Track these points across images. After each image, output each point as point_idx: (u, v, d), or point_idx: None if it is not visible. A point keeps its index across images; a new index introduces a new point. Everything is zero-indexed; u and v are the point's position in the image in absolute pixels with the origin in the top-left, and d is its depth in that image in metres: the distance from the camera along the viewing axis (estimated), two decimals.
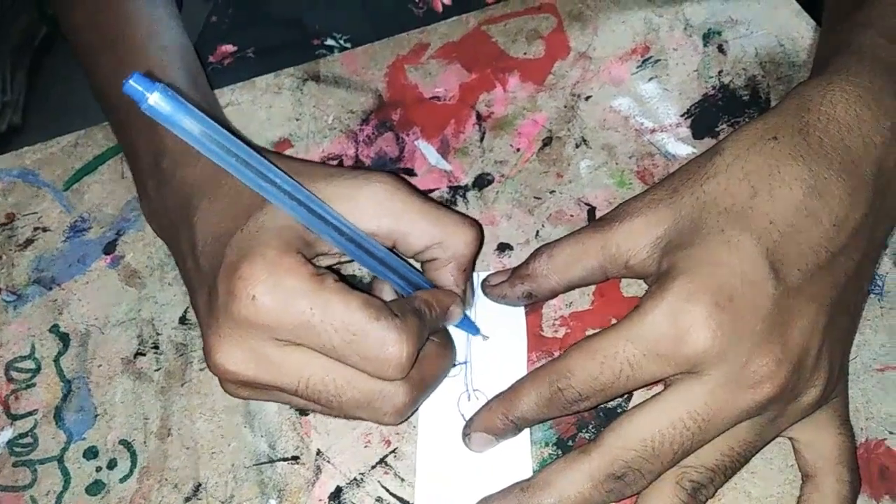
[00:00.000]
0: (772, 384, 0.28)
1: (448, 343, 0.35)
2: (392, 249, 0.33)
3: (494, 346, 0.37)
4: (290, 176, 0.29)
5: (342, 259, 0.35)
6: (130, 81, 0.24)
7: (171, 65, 0.41)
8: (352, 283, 0.32)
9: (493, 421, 0.32)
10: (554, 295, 0.36)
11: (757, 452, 0.31)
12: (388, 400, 0.31)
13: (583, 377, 0.29)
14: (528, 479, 0.30)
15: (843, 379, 0.32)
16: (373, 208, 0.32)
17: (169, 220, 0.37)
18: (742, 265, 0.28)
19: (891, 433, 0.33)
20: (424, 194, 0.34)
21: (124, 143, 0.43)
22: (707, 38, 0.45)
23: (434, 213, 0.33)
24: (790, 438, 0.32)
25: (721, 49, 0.45)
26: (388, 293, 0.34)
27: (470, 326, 0.36)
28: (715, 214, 0.29)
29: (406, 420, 0.34)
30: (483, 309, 0.37)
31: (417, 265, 0.35)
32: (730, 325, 0.27)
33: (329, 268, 0.33)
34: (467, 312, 0.36)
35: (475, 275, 0.38)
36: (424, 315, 0.32)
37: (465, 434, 0.33)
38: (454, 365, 0.36)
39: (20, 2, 1.59)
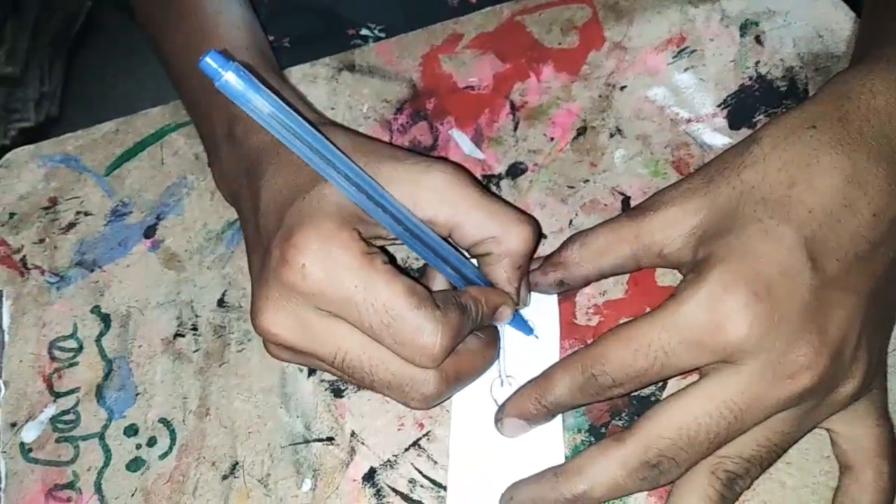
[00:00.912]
0: (810, 374, 0.27)
1: (492, 342, 0.35)
2: (448, 240, 0.34)
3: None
4: (350, 159, 0.29)
5: (397, 241, 0.35)
6: (207, 59, 0.25)
7: (242, 41, 0.42)
8: (402, 268, 0.32)
9: (525, 406, 0.32)
10: (586, 283, 0.36)
11: (794, 444, 0.31)
12: (418, 387, 0.31)
13: (617, 364, 0.29)
14: (560, 465, 0.31)
15: (881, 371, 0.32)
16: (432, 195, 0.32)
17: (238, 185, 0.38)
18: (780, 255, 0.28)
19: None
20: (485, 187, 0.34)
21: (196, 111, 0.44)
22: (744, 28, 0.45)
23: (491, 207, 0.33)
24: (828, 430, 0.32)
25: (758, 40, 0.44)
26: (439, 283, 0.35)
27: (523, 326, 0.36)
28: (752, 204, 0.29)
29: (434, 407, 0.34)
30: None
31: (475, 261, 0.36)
32: (767, 315, 0.27)
33: (384, 249, 0.33)
34: (521, 311, 0.36)
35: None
36: (469, 310, 0.32)
37: (498, 419, 0.33)
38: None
39: None
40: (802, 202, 0.29)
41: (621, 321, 0.36)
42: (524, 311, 0.37)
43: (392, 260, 0.31)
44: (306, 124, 0.28)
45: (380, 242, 0.34)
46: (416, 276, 0.38)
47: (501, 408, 0.33)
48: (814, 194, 0.29)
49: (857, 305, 0.29)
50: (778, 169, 0.30)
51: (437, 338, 0.29)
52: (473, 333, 0.33)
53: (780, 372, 0.28)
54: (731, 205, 0.30)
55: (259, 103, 0.26)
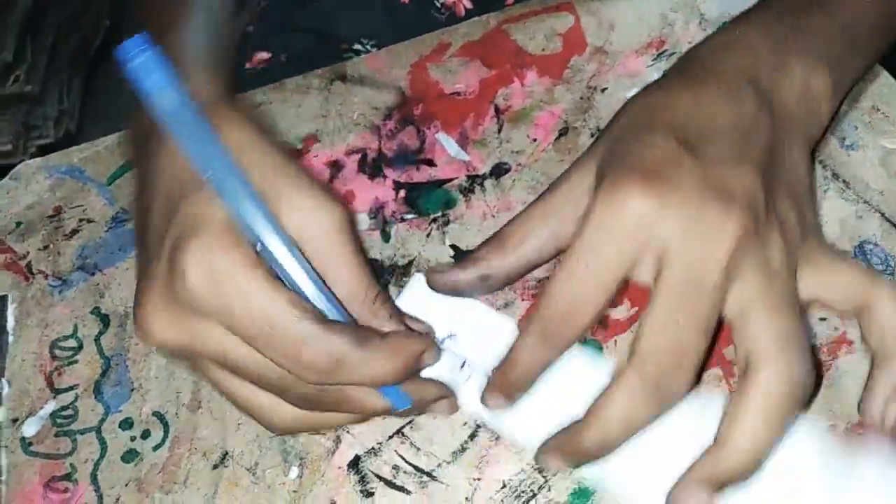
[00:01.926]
0: (732, 223, 0.28)
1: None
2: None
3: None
4: (235, 167, 0.29)
5: None
6: (127, 42, 0.26)
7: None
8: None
9: (502, 382, 0.32)
10: (510, 279, 0.34)
11: (801, 315, 0.30)
12: (286, 401, 0.31)
13: (559, 296, 0.30)
14: (576, 422, 0.30)
15: (814, 238, 0.32)
16: (307, 224, 0.31)
17: (144, 150, 0.35)
18: (659, 150, 0.30)
19: None
20: (359, 246, 0.32)
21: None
22: None
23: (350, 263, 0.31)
24: (826, 304, 0.32)
25: None
26: None
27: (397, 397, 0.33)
28: (624, 132, 0.33)
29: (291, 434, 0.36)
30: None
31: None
32: (662, 186, 0.29)
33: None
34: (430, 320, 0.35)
35: (419, 275, 0.36)
36: (367, 343, 0.30)
37: (484, 400, 0.33)
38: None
39: (80, 13, 1.66)
40: (665, 119, 0.32)
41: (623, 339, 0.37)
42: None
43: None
44: (202, 125, 0.28)
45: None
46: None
47: (482, 396, 0.33)
48: (672, 113, 0.32)
49: (751, 171, 0.30)
50: (640, 111, 0.34)
51: (319, 348, 0.29)
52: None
53: (703, 231, 0.28)
54: (610, 146, 0.33)
55: (166, 97, 0.27)
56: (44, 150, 1.48)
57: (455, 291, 0.35)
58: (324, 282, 0.31)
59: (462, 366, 0.35)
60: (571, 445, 0.31)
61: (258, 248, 0.30)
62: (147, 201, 0.33)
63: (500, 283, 0.34)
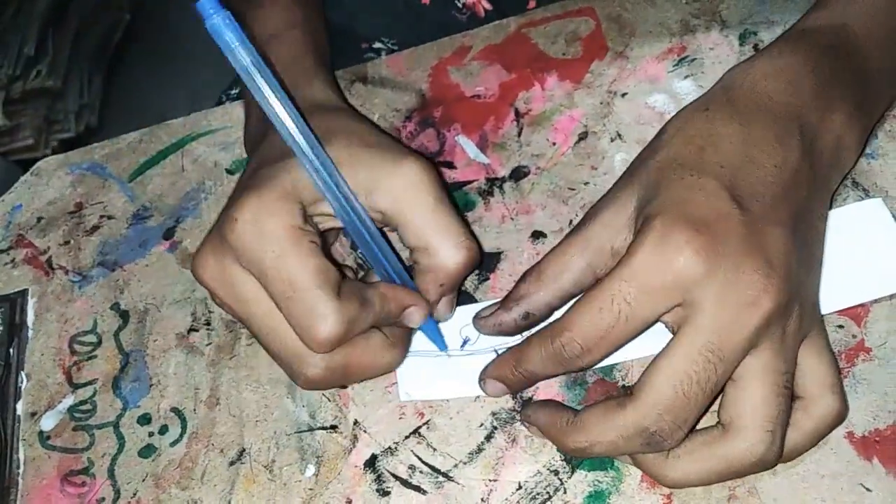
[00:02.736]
0: (768, 297, 0.29)
1: (397, 344, 0.35)
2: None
3: None
4: (315, 135, 0.32)
5: (337, 224, 0.36)
6: (203, 0, 0.28)
7: (290, 19, 0.46)
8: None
9: (504, 372, 0.34)
10: (551, 311, 0.35)
11: (792, 382, 0.31)
12: (303, 367, 0.33)
13: (583, 327, 0.30)
14: (573, 415, 0.32)
15: (818, 314, 0.33)
16: (387, 189, 0.33)
17: (251, 148, 0.42)
18: (708, 200, 0.30)
19: None
20: (450, 199, 0.35)
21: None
22: (743, 38, 0.46)
23: (439, 219, 0.34)
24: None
25: (756, 48, 0.45)
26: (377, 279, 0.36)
27: (437, 338, 0.37)
28: (670, 170, 0.32)
29: (320, 390, 0.37)
30: None
31: None
32: (711, 245, 0.29)
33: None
34: (441, 326, 0.37)
35: (469, 307, 0.38)
36: (371, 305, 0.33)
37: (481, 378, 0.35)
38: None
39: (101, 7, 1.68)
40: (713, 160, 0.32)
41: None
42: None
43: (327, 249, 0.34)
44: (278, 86, 0.30)
45: (325, 224, 0.35)
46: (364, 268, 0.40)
47: (485, 369, 0.35)
48: (720, 154, 0.32)
49: (788, 237, 0.31)
50: (685, 143, 0.33)
51: (327, 325, 0.31)
52: (379, 330, 0.35)
53: (741, 300, 0.29)
54: (653, 178, 0.33)
55: (240, 54, 0.29)
56: (65, 145, 1.49)
57: (501, 332, 0.35)
58: (387, 241, 0.35)
59: (463, 345, 0.37)
60: (562, 443, 0.32)
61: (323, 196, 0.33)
62: (245, 170, 0.38)
63: (542, 317, 0.35)
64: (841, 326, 0.36)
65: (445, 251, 0.34)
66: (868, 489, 0.32)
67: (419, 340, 0.37)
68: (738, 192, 0.31)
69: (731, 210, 0.30)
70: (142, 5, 1.77)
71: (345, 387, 0.38)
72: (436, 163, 0.45)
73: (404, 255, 0.39)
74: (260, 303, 0.33)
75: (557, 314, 0.34)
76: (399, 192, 0.34)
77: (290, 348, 0.33)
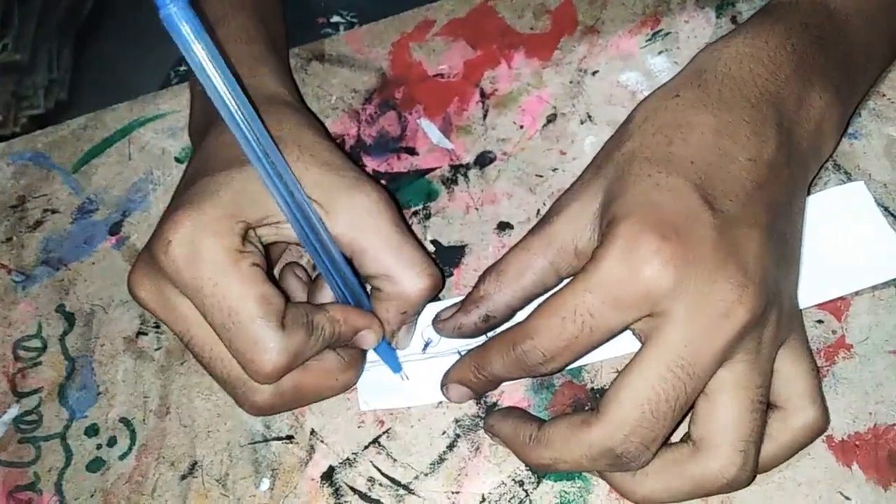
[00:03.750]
0: (743, 308, 0.27)
1: (353, 364, 0.34)
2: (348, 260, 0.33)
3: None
4: (275, 140, 0.29)
5: (286, 238, 0.34)
6: None
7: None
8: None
9: (466, 375, 0.32)
10: (512, 312, 0.33)
11: (768, 394, 0.29)
12: (250, 394, 0.31)
13: (546, 336, 0.28)
14: (538, 428, 0.30)
15: (797, 315, 0.31)
16: (345, 214, 0.32)
17: (194, 141, 0.39)
18: (677, 202, 0.28)
19: None
20: (407, 226, 0.34)
21: None
22: (720, 9, 0.43)
23: (398, 247, 0.32)
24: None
25: (734, 21, 0.43)
26: (327, 294, 0.34)
27: (391, 360, 0.35)
28: (637, 165, 0.30)
29: (269, 415, 0.35)
30: None
31: None
32: (681, 254, 0.27)
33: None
34: (398, 352, 0.35)
35: (432, 306, 0.36)
36: (319, 332, 0.31)
37: (443, 384, 0.33)
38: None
39: None
40: (683, 155, 0.30)
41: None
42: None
43: (268, 267, 0.31)
44: (236, 85, 0.27)
45: (271, 238, 0.33)
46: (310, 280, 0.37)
47: (447, 374, 0.33)
48: (690, 147, 0.30)
49: (763, 238, 0.29)
50: (653, 133, 0.31)
51: (270, 356, 0.29)
52: (333, 352, 0.33)
53: (714, 311, 0.27)
54: (619, 174, 0.30)
55: (195, 47, 0.26)
56: (34, 121, 1.45)
57: (462, 335, 0.34)
58: (346, 259, 0.33)
59: (425, 347, 0.35)
60: (526, 458, 0.31)
61: (285, 229, 0.31)
62: (183, 178, 0.35)
63: (503, 318, 0.33)
64: (820, 321, 0.34)
65: (409, 279, 0.32)
66: (847, 497, 0.31)
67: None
68: (708, 190, 0.29)
69: (701, 212, 0.28)
70: None
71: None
72: (397, 149, 0.43)
73: None
74: (200, 327, 0.31)
75: (522, 314, 0.32)
76: (357, 220, 0.32)
77: (234, 375, 0.31)
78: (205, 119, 0.38)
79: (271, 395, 0.31)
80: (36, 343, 0.41)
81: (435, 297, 0.37)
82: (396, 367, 0.35)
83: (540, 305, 0.29)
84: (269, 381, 0.30)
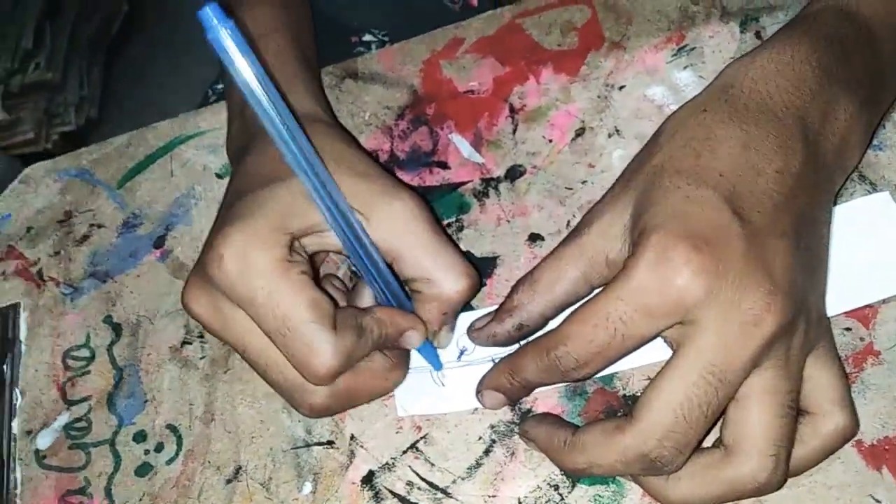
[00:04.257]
0: (772, 317, 0.28)
1: (399, 364, 0.35)
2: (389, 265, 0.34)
3: None
4: (317, 153, 0.30)
5: (329, 247, 0.35)
6: (207, 9, 0.26)
7: (274, 23, 0.44)
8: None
9: (501, 381, 0.33)
10: (545, 321, 0.34)
11: (798, 400, 0.30)
12: (306, 397, 0.33)
13: (579, 342, 0.30)
14: (574, 433, 0.31)
15: (825, 323, 0.32)
16: (383, 222, 0.33)
17: (234, 160, 0.40)
18: (707, 213, 0.29)
19: None
20: (442, 229, 0.35)
21: (228, 85, 0.46)
22: (744, 24, 0.44)
23: (436, 250, 0.33)
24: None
25: (759, 35, 0.44)
26: (367, 299, 0.36)
27: (433, 358, 0.37)
28: (667, 177, 0.31)
29: (324, 417, 0.36)
30: None
31: None
32: (711, 264, 0.28)
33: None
34: (439, 350, 0.37)
35: (466, 315, 0.37)
36: (369, 333, 0.33)
37: (478, 391, 0.34)
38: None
39: None
40: (712, 167, 0.30)
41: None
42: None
43: (316, 274, 0.33)
44: (282, 102, 0.29)
45: (315, 247, 0.34)
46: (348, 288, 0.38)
47: (481, 381, 0.34)
48: (719, 160, 0.31)
49: (791, 248, 0.29)
50: (682, 147, 0.32)
51: (325, 358, 0.31)
52: (380, 353, 0.34)
53: (744, 320, 0.28)
54: (649, 186, 0.31)
55: (241, 66, 0.27)
56: (66, 138, 1.48)
57: (496, 343, 0.35)
58: (389, 266, 0.34)
59: (460, 355, 0.37)
60: (560, 462, 0.32)
61: (331, 239, 0.33)
62: (228, 193, 0.36)
63: (536, 327, 0.34)
64: (848, 329, 0.35)
65: (449, 281, 0.33)
66: (878, 500, 0.31)
67: (415, 355, 0.37)
68: (737, 202, 0.30)
69: (730, 223, 0.29)
70: None
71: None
72: (429, 163, 0.44)
73: None
74: (255, 336, 0.32)
75: (554, 322, 0.33)
76: (395, 226, 0.33)
77: (290, 380, 0.32)
78: (243, 138, 0.39)
79: (327, 396, 0.33)
80: (84, 353, 0.43)
81: (469, 307, 0.38)
82: (438, 364, 0.37)
83: (573, 313, 0.30)
84: (324, 383, 0.31)
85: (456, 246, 0.35)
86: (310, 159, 0.30)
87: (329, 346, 0.31)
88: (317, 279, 0.33)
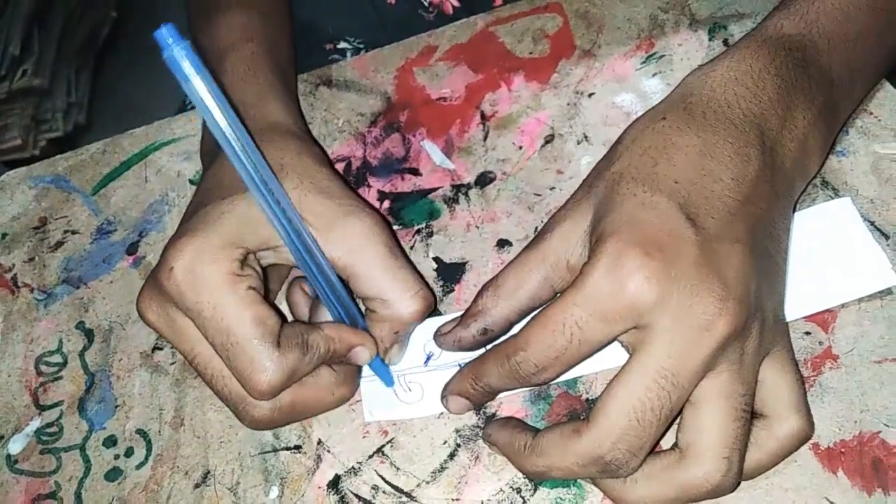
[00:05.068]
0: (724, 321, 0.28)
1: (348, 380, 0.36)
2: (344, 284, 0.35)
3: None
4: (271, 169, 0.31)
5: (285, 262, 0.35)
6: (162, 30, 0.27)
7: (249, 33, 0.44)
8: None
9: (464, 386, 0.34)
10: (510, 325, 0.34)
11: (752, 403, 0.30)
12: (249, 409, 0.33)
13: (537, 348, 0.30)
14: (533, 436, 0.32)
15: (784, 331, 0.32)
16: (340, 240, 0.33)
17: (204, 168, 0.41)
18: (661, 219, 0.30)
19: (886, 426, 0.33)
20: (400, 249, 0.35)
21: None
22: (713, 32, 0.45)
23: (391, 270, 0.34)
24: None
25: (726, 43, 0.44)
26: (327, 313, 0.36)
27: (384, 374, 0.37)
28: (624, 185, 0.31)
29: (267, 430, 0.37)
30: None
31: None
32: (663, 270, 0.28)
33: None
34: (391, 368, 0.37)
35: (433, 320, 0.37)
36: (314, 350, 0.33)
37: (443, 396, 0.35)
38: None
39: (87, 4, 1.66)
40: (667, 175, 0.31)
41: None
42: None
43: (265, 291, 0.33)
44: (236, 119, 0.29)
45: (272, 261, 0.35)
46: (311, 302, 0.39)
47: (446, 386, 0.35)
48: (675, 168, 0.31)
49: (745, 254, 0.30)
50: (640, 154, 0.32)
51: (267, 375, 0.31)
52: (328, 368, 0.35)
53: (696, 324, 0.28)
54: (607, 192, 0.32)
55: (196, 83, 0.28)
56: (54, 144, 1.48)
57: (461, 348, 0.35)
58: (344, 283, 0.34)
59: (427, 360, 0.37)
60: (521, 466, 0.32)
61: (284, 254, 0.33)
62: (197, 191, 0.37)
63: (500, 331, 0.34)
64: (808, 333, 0.35)
65: (403, 302, 0.34)
66: (833, 503, 0.32)
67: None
68: (692, 208, 0.30)
69: (683, 230, 0.29)
70: (128, 2, 1.75)
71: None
72: (401, 170, 0.45)
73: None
74: (203, 346, 0.33)
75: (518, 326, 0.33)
76: (352, 245, 0.33)
77: (234, 392, 0.33)
78: (214, 145, 0.40)
79: (269, 410, 0.33)
80: (57, 358, 0.43)
81: (436, 312, 0.39)
82: (389, 381, 0.37)
83: (532, 319, 0.31)
84: (265, 398, 0.32)
85: (412, 267, 0.35)
86: (263, 176, 0.30)
87: (271, 362, 0.31)
88: (268, 293, 0.34)
